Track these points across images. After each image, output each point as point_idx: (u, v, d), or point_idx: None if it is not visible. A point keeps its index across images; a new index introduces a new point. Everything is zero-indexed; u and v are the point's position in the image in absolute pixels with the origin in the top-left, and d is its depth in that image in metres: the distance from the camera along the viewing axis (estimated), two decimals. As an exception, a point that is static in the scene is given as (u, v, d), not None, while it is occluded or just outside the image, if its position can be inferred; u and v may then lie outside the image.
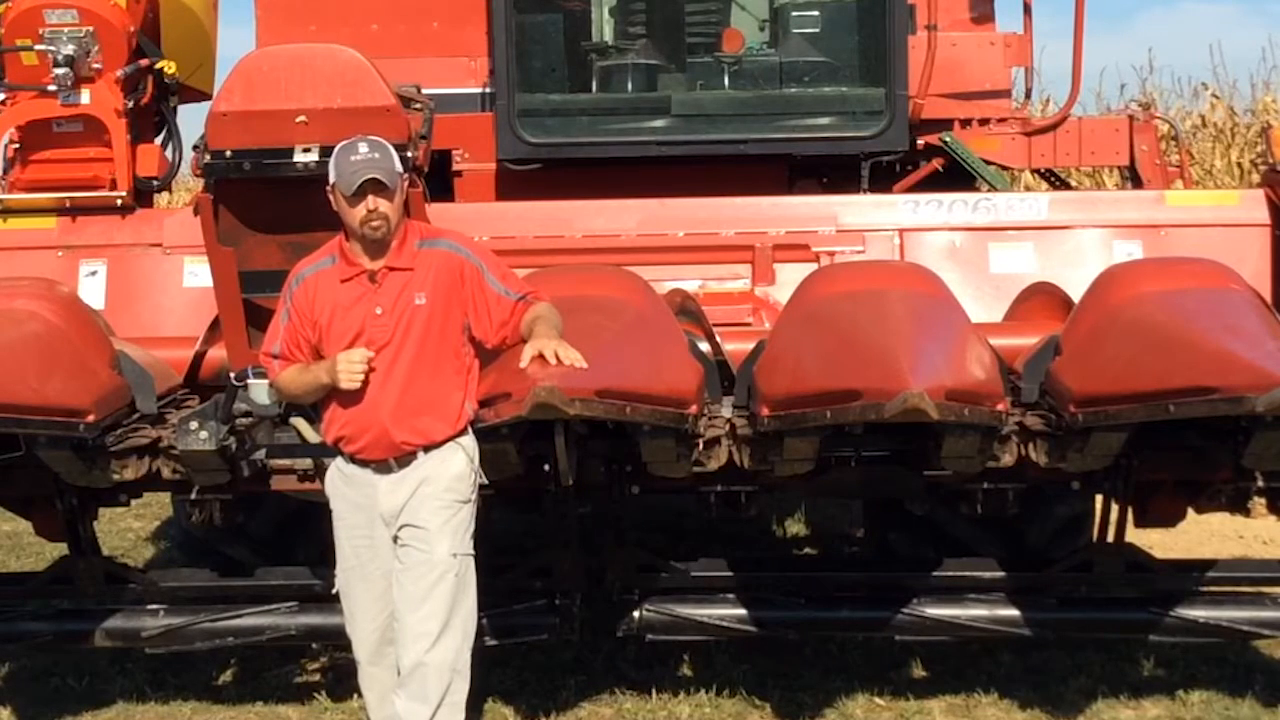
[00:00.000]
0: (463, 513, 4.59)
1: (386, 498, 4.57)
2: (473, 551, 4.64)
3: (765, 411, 4.65)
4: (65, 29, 5.77)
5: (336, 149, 4.57)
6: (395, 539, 4.60)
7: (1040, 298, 5.50)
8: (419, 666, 4.55)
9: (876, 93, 6.49)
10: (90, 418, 4.69)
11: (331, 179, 4.54)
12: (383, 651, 4.71)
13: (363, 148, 4.51)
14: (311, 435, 4.81)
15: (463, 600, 4.60)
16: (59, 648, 5.97)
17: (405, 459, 4.54)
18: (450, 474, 4.56)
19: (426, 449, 4.54)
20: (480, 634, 5.34)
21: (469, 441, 4.60)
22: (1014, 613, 5.46)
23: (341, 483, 4.66)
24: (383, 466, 4.56)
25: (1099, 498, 5.40)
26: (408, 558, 4.57)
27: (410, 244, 4.56)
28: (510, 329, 4.57)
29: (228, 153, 4.94)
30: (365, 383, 4.49)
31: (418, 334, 4.50)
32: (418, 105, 5.35)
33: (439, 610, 4.54)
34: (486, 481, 4.70)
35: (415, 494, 4.54)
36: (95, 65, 5.83)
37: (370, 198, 4.46)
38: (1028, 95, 7.57)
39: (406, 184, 4.66)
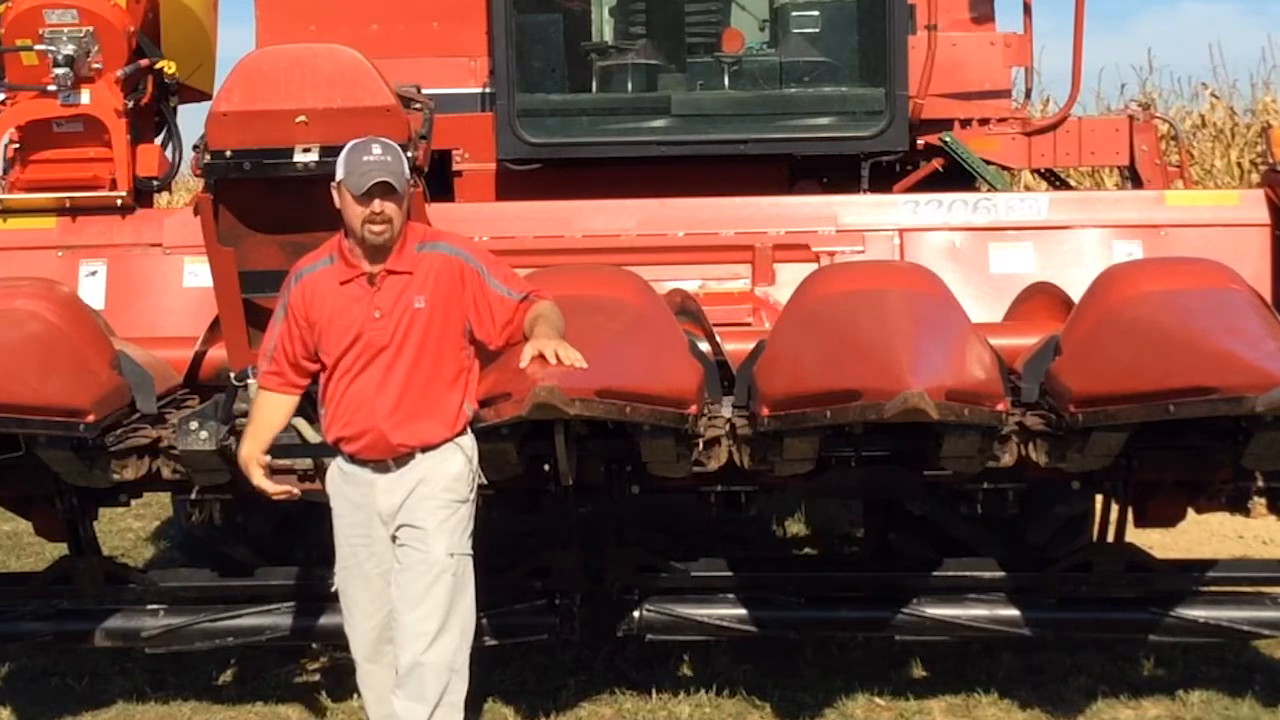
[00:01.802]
0: (460, 512, 4.59)
1: (384, 497, 4.58)
2: (471, 551, 4.64)
3: (765, 411, 4.65)
4: (65, 29, 5.77)
5: (348, 146, 4.55)
6: (394, 539, 4.60)
7: (1040, 298, 5.50)
8: (416, 666, 4.55)
9: (876, 93, 6.49)
10: (90, 418, 4.69)
11: (339, 176, 4.52)
12: (380, 650, 4.72)
13: (376, 149, 4.50)
14: (311, 435, 4.81)
15: (460, 600, 4.60)
16: (59, 648, 5.97)
17: (403, 459, 4.54)
18: (448, 474, 4.56)
19: (424, 449, 4.54)
20: (480, 634, 5.33)
21: (467, 442, 4.60)
22: (1014, 613, 5.46)
23: (341, 481, 4.66)
24: (381, 466, 4.56)
25: (1099, 498, 5.40)
26: (405, 557, 4.57)
27: (410, 247, 4.56)
28: (514, 328, 4.57)
29: (228, 153, 4.94)
30: (364, 384, 4.50)
31: (416, 337, 4.50)
32: (418, 105, 5.35)
33: (436, 610, 4.54)
34: (486, 481, 4.70)
35: (413, 494, 4.55)
36: (95, 65, 5.83)
37: (377, 201, 4.45)
38: (1028, 95, 7.58)
39: (412, 189, 4.66)
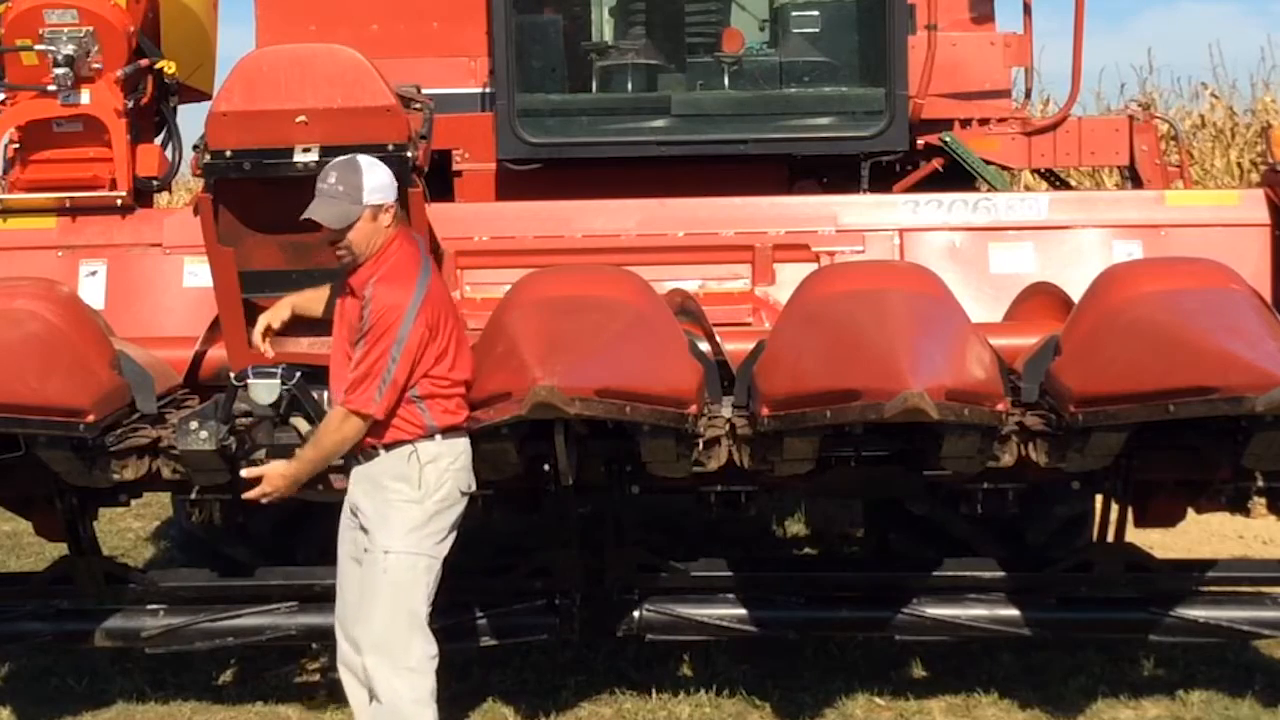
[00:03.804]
0: (410, 513, 4.60)
1: (351, 488, 4.69)
2: (425, 552, 4.62)
3: (765, 411, 4.65)
4: (65, 29, 5.76)
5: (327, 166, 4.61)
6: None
7: (1040, 298, 5.50)
8: (365, 665, 4.63)
9: (876, 93, 6.49)
10: (90, 418, 4.69)
11: None
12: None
13: (331, 178, 4.54)
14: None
15: (406, 598, 4.61)
16: (59, 648, 5.97)
17: (367, 452, 4.61)
18: (392, 474, 4.60)
19: (387, 447, 4.58)
20: (480, 634, 5.36)
21: (430, 446, 4.60)
22: (1014, 613, 5.46)
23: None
24: (351, 456, 4.64)
25: (1099, 498, 5.40)
26: (365, 556, 4.66)
27: (369, 274, 4.57)
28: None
29: (228, 153, 4.94)
30: (331, 369, 4.64)
31: (350, 348, 4.59)
32: (418, 105, 5.35)
33: (379, 608, 4.60)
34: (465, 487, 4.69)
35: (366, 492, 4.63)
36: (95, 65, 5.83)
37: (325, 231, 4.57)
38: (1028, 95, 7.58)
39: (387, 211, 4.58)
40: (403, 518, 4.60)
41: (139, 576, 5.73)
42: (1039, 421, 4.81)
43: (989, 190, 6.54)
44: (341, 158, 4.62)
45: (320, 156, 4.82)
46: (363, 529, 4.66)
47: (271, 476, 4.66)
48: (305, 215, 4.52)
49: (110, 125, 5.86)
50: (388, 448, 4.58)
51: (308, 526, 5.78)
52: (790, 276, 5.55)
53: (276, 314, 4.91)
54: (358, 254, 4.56)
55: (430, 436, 4.59)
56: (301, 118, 4.90)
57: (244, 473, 4.70)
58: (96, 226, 5.93)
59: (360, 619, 4.64)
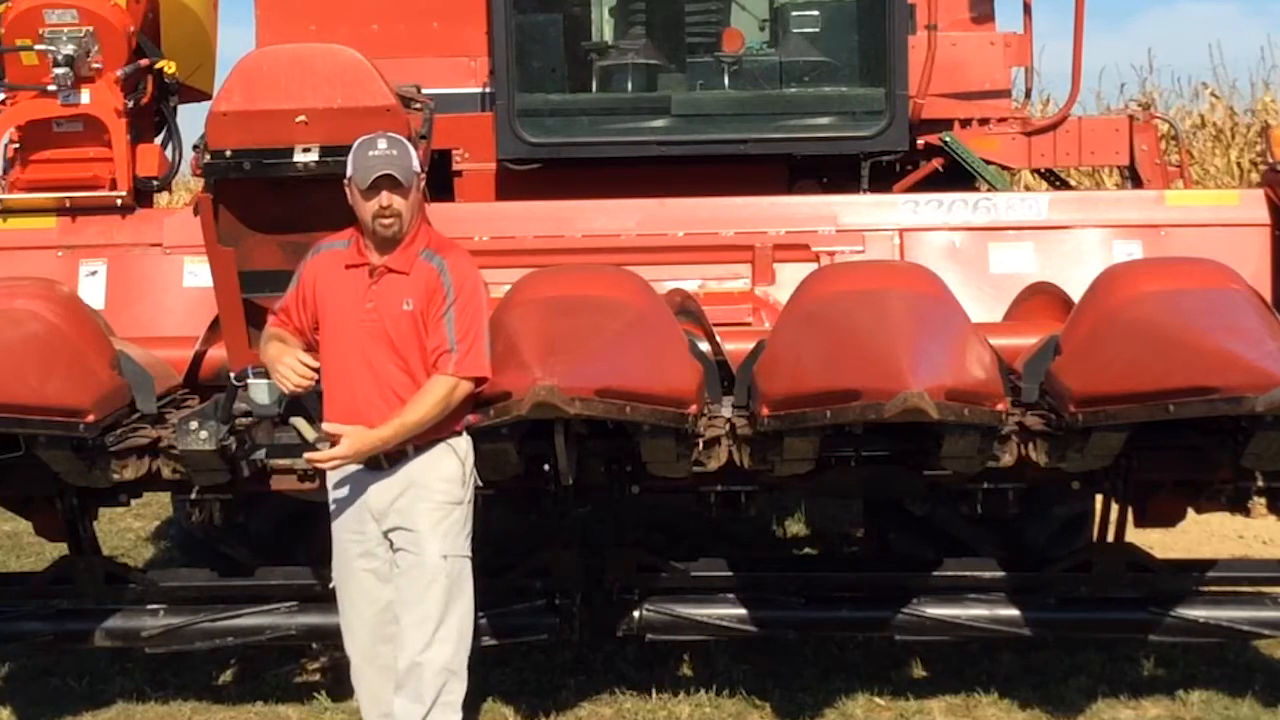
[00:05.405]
0: (454, 515, 4.60)
1: (375, 493, 4.61)
2: (468, 553, 4.65)
3: (765, 411, 4.65)
4: (65, 29, 5.77)
5: (356, 144, 4.59)
6: (390, 542, 4.63)
7: (1040, 298, 5.50)
8: (414, 666, 4.59)
9: (876, 93, 6.49)
10: (90, 418, 4.69)
11: (348, 173, 4.57)
12: (376, 651, 4.73)
13: (381, 144, 4.54)
14: (311, 434, 4.82)
15: (457, 602, 4.62)
16: (59, 648, 5.97)
17: (395, 456, 4.56)
18: (440, 476, 4.57)
19: (417, 448, 4.55)
20: (480, 634, 5.34)
21: (462, 444, 4.61)
22: (1014, 613, 5.46)
23: (337, 476, 4.68)
24: (374, 462, 4.58)
25: (1099, 498, 5.40)
26: (402, 561, 4.61)
27: (415, 249, 4.58)
28: (429, 366, 4.54)
29: (228, 153, 4.94)
30: (352, 373, 4.54)
31: (400, 337, 4.54)
32: (418, 105, 5.36)
33: (432, 612, 4.57)
34: (482, 482, 4.70)
35: (405, 494, 4.57)
36: (95, 65, 5.83)
37: (384, 194, 4.50)
38: (1028, 95, 7.58)
39: (423, 183, 4.67)
40: (451, 520, 4.59)
41: (139, 576, 5.73)
42: (1039, 421, 4.81)
43: (989, 190, 6.54)
44: (366, 135, 4.60)
45: (320, 156, 4.83)
46: (392, 533, 4.60)
47: (356, 440, 4.45)
48: (381, 172, 4.45)
49: (110, 125, 5.86)
50: (419, 448, 4.55)
51: (307, 526, 5.77)
52: (790, 276, 5.55)
53: (292, 351, 4.63)
54: (404, 224, 4.53)
55: (460, 433, 4.59)
56: (301, 118, 4.90)
57: (326, 427, 4.51)
58: (96, 226, 5.93)
59: (422, 631, 4.57)
